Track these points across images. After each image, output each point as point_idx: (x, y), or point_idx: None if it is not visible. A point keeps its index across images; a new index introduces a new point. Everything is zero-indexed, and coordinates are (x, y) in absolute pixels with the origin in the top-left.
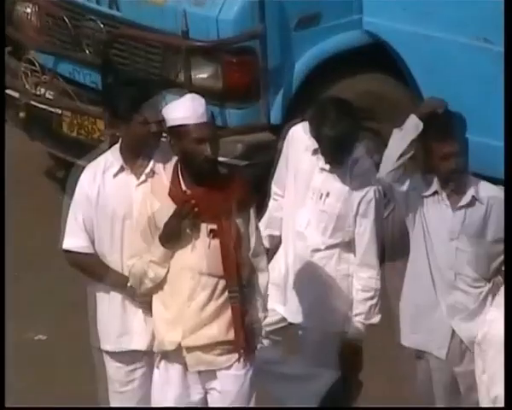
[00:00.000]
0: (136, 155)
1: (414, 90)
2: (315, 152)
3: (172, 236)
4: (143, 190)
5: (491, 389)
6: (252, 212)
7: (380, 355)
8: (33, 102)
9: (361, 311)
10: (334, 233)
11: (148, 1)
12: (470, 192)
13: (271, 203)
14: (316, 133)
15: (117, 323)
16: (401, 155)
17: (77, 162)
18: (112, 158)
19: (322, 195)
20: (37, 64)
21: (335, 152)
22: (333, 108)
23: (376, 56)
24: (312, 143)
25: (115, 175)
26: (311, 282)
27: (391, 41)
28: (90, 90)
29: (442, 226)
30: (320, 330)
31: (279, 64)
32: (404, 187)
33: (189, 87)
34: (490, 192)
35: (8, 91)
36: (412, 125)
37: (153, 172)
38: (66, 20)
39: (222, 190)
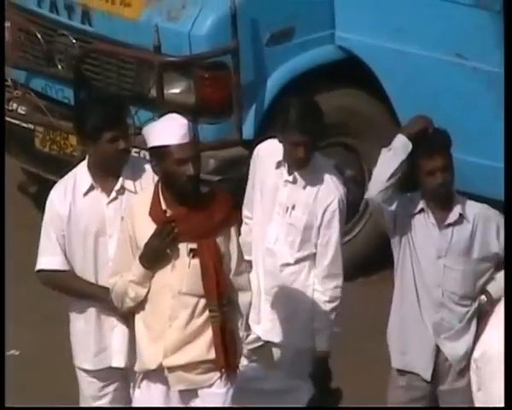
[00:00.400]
0: (105, 173)
1: (388, 105)
2: (279, 165)
3: (152, 256)
4: (115, 207)
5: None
6: (233, 230)
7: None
8: (6, 117)
9: (327, 321)
10: (301, 246)
11: (121, 16)
12: (457, 209)
13: (243, 228)
14: (280, 129)
15: (92, 341)
16: (391, 176)
17: (50, 178)
18: (81, 175)
19: (288, 208)
20: (9, 79)
21: (299, 147)
22: (297, 103)
23: (350, 72)
24: (278, 155)
25: (85, 194)
26: (281, 299)
27: (364, 56)
28: (63, 106)
29: (429, 244)
30: (293, 346)
31: (252, 79)
32: (393, 207)
33: (162, 102)
34: (475, 210)
35: None
36: (401, 146)
37: (123, 189)
38: (39, 35)
39: (203, 209)
